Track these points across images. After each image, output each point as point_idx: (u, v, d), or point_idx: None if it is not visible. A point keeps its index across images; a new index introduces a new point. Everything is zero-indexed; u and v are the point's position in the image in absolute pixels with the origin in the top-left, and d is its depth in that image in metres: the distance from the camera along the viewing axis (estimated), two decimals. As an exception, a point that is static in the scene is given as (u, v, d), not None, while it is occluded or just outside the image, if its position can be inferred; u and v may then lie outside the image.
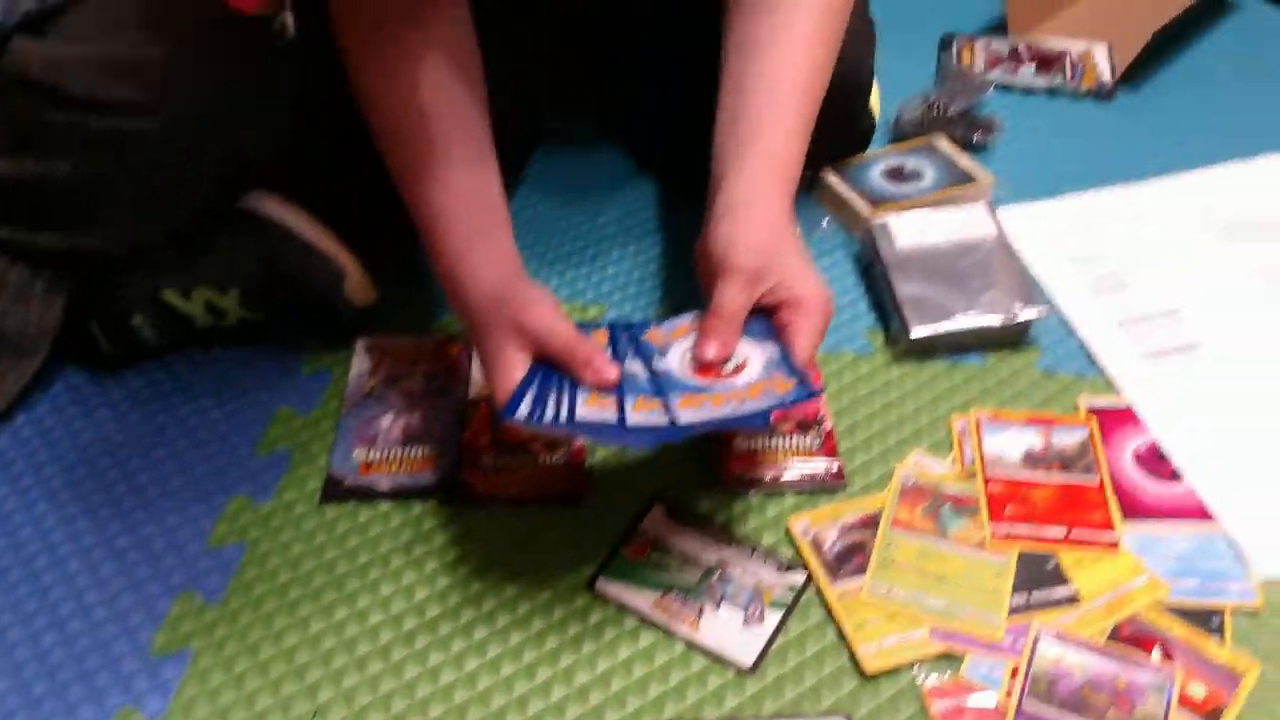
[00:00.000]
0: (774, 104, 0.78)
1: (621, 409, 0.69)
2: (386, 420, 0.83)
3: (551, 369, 0.71)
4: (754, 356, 0.73)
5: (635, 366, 0.73)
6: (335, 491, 0.79)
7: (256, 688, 0.68)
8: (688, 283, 0.84)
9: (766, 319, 0.75)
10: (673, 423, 0.68)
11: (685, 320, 0.77)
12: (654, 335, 0.76)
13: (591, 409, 0.69)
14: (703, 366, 0.72)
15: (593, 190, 1.08)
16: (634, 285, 0.98)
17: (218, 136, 0.78)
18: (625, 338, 0.76)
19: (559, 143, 1.13)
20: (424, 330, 0.91)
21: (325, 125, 0.85)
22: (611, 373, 0.70)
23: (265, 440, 0.83)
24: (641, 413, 0.69)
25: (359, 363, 0.88)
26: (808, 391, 0.70)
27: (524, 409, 0.67)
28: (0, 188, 0.76)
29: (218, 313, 0.86)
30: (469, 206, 0.76)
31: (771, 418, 0.72)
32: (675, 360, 0.74)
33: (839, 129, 0.91)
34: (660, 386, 0.71)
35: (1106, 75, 1.20)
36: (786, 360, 0.72)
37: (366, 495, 0.79)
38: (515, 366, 0.70)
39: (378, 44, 0.76)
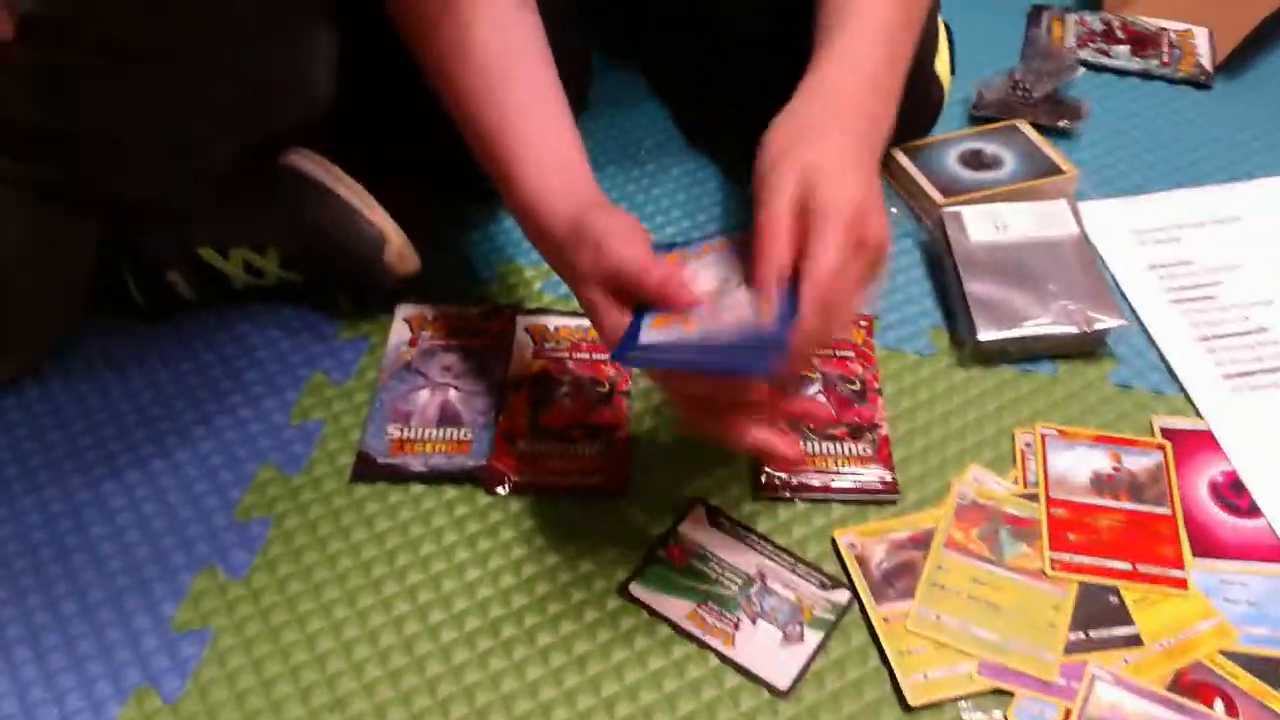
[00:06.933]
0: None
1: (636, 328, 0.61)
2: (423, 397, 0.80)
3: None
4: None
5: None
6: (366, 470, 0.76)
7: (276, 673, 0.66)
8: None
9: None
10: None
11: (711, 241, 0.67)
12: (673, 258, 0.67)
13: (658, 330, 0.61)
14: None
15: (633, 130, 1.06)
16: (678, 209, 0.97)
17: (260, 95, 0.74)
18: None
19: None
20: (467, 301, 0.87)
21: (372, 86, 0.81)
22: (683, 295, 0.61)
23: (298, 409, 0.80)
24: (659, 330, 0.61)
25: (398, 332, 0.84)
26: (778, 338, 0.57)
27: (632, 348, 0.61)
28: (26, 130, 0.73)
29: (256, 272, 0.83)
30: (542, 142, 0.71)
31: (768, 364, 0.58)
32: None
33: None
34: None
35: (1206, 60, 1.12)
36: (792, 296, 0.59)
37: (399, 476, 0.76)
38: (608, 311, 0.63)
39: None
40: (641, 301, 0.63)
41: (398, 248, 0.81)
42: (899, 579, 0.71)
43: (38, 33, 0.67)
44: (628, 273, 0.62)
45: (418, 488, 0.76)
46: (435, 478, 0.76)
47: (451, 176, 0.81)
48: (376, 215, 0.80)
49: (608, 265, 0.62)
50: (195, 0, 0.70)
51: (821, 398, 0.81)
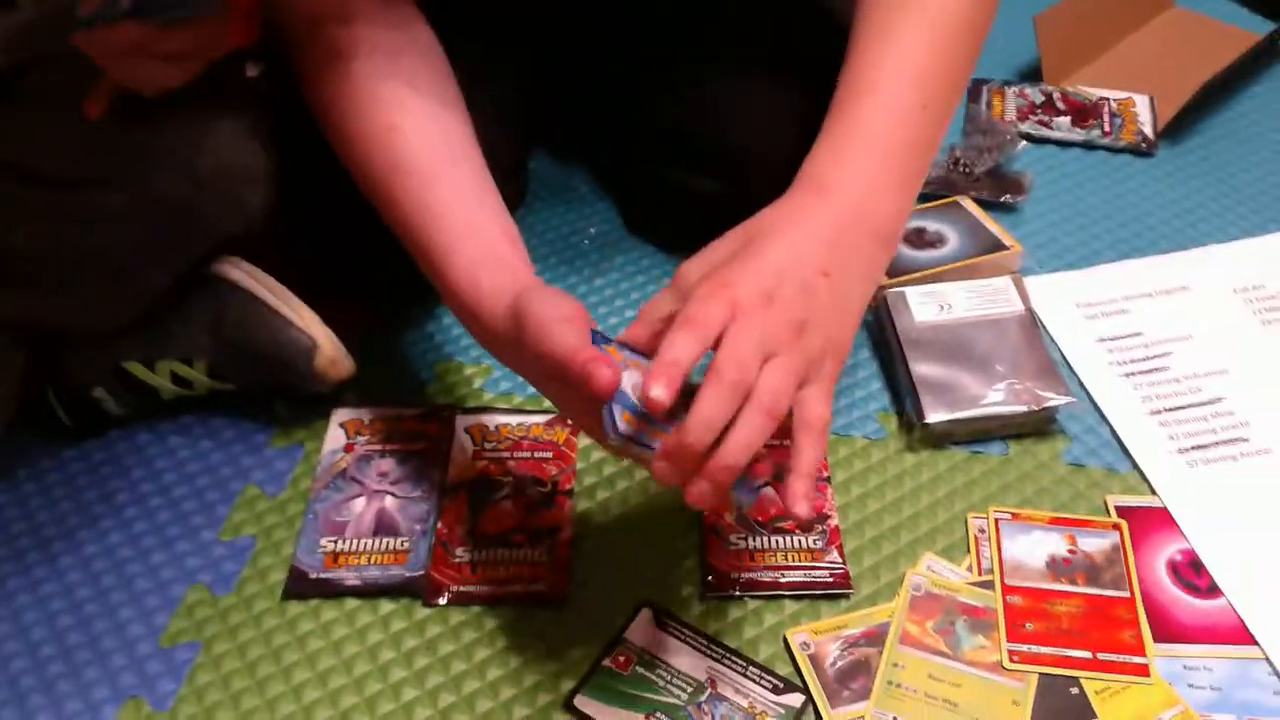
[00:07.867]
0: (875, 87, 0.70)
1: (613, 418, 0.59)
2: (358, 505, 0.77)
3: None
4: None
5: None
6: (299, 587, 0.73)
7: (200, 812, 0.63)
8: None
9: None
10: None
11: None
12: (612, 350, 0.64)
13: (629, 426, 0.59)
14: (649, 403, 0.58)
15: (576, 220, 1.05)
16: (622, 298, 0.96)
17: (192, 220, 0.73)
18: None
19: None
20: (406, 401, 0.85)
21: (303, 187, 0.80)
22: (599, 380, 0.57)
23: (229, 524, 0.77)
24: (629, 426, 0.59)
25: (333, 439, 0.82)
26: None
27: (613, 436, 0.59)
28: None
29: (184, 383, 0.81)
30: (474, 243, 0.69)
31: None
32: (628, 384, 0.62)
33: None
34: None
35: (1148, 128, 1.12)
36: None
37: (332, 592, 0.73)
38: (567, 401, 0.66)
39: (335, 77, 0.72)
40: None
41: (329, 354, 0.79)
42: (854, 679, 0.69)
43: None
44: (558, 361, 0.59)
45: (352, 602, 0.73)
46: (371, 591, 0.73)
47: (390, 277, 0.79)
48: (307, 321, 0.78)
49: (539, 350, 0.60)
50: (125, 129, 0.70)
51: (769, 490, 0.79)
